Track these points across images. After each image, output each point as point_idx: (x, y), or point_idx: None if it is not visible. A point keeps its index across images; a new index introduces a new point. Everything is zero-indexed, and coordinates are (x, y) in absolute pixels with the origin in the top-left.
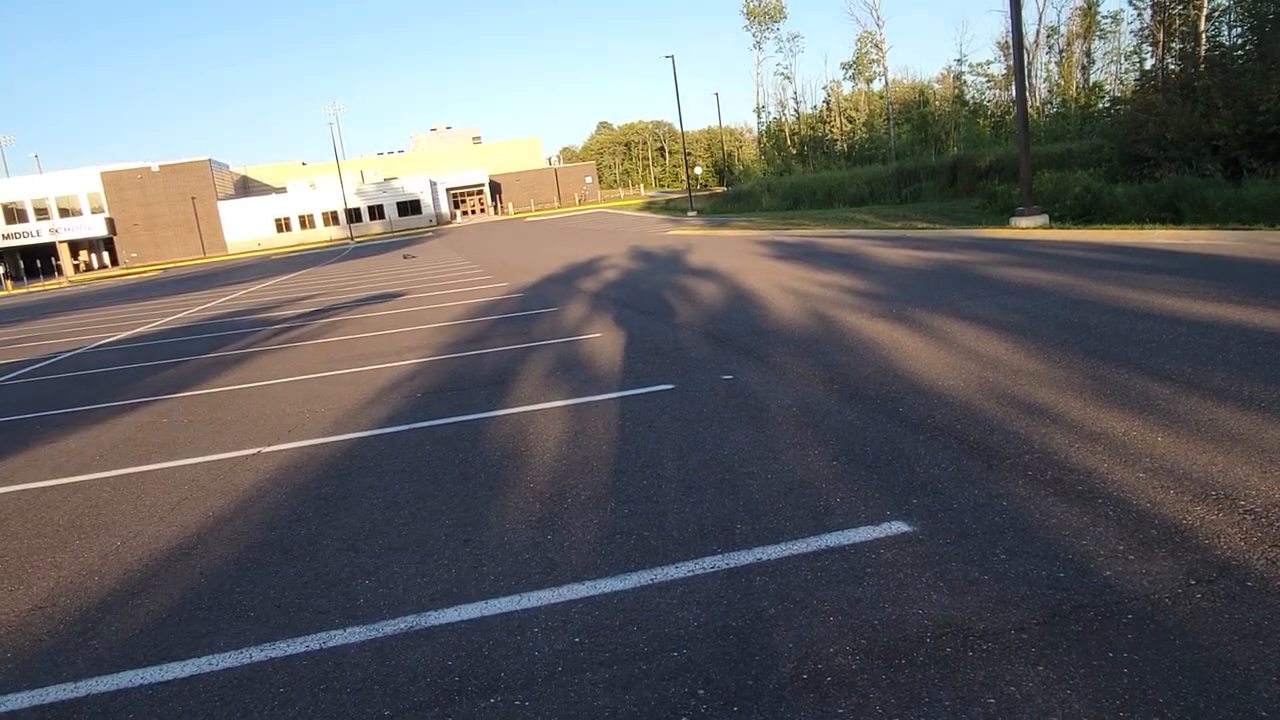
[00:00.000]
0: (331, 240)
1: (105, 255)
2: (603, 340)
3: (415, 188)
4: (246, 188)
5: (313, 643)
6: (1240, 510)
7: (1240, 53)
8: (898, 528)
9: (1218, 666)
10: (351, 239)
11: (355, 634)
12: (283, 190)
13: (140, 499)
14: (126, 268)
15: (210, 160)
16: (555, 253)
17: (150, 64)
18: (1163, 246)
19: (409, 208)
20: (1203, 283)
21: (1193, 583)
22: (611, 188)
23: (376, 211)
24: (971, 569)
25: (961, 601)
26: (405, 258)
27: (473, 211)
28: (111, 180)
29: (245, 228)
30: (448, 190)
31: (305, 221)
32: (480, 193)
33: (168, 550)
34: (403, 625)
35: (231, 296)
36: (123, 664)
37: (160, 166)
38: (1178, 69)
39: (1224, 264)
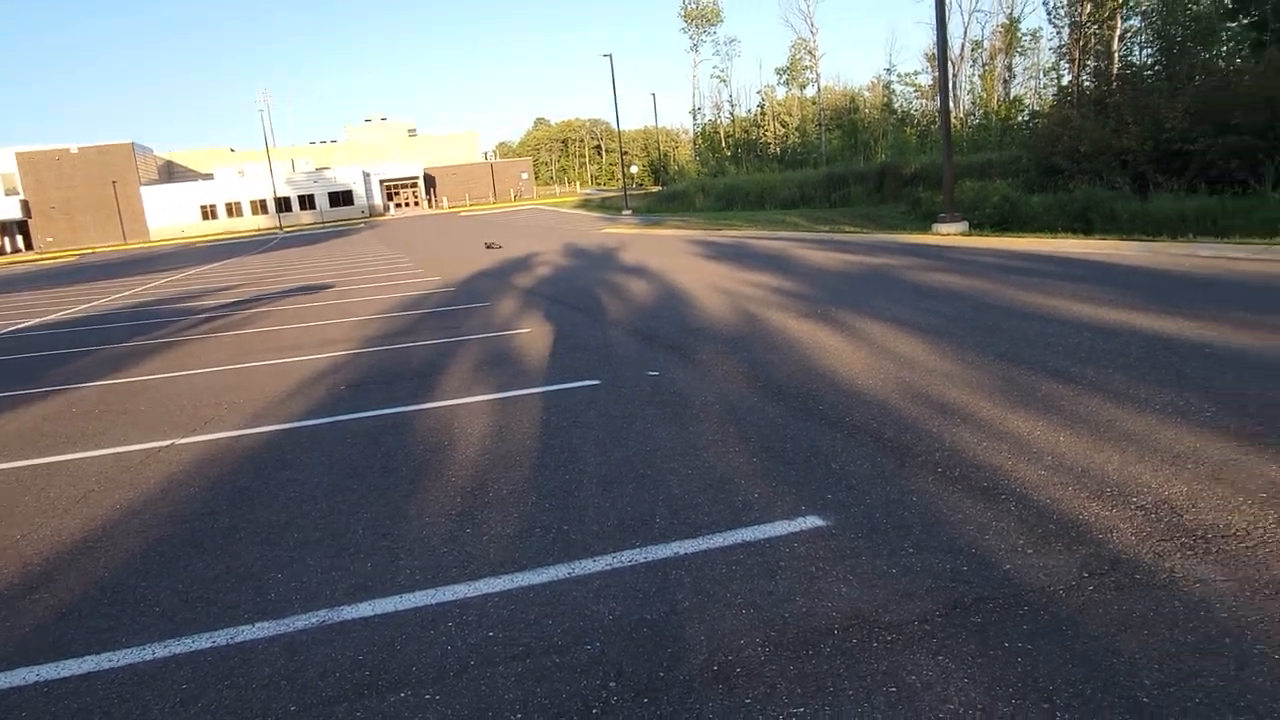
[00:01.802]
0: (260, 229)
1: (19, 239)
2: (532, 336)
3: (348, 178)
4: (171, 173)
5: (220, 638)
6: (1132, 506)
7: (1149, 72)
8: (812, 522)
9: (1105, 655)
10: (281, 229)
11: (264, 629)
12: (209, 177)
13: (44, 491)
14: (42, 252)
15: (133, 144)
16: (489, 248)
17: (71, 42)
18: (1073, 255)
19: (341, 199)
20: (1108, 290)
21: (1085, 575)
22: (547, 184)
23: (307, 201)
24: (880, 563)
25: (869, 594)
26: (489, 247)
27: (406, 204)
28: (27, 161)
29: (169, 214)
30: (381, 182)
31: (233, 209)
32: (414, 186)
33: (70, 544)
34: (314, 620)
35: (152, 284)
36: (16, 661)
37: (80, 149)
38: (1092, 86)
39: (1128, 273)
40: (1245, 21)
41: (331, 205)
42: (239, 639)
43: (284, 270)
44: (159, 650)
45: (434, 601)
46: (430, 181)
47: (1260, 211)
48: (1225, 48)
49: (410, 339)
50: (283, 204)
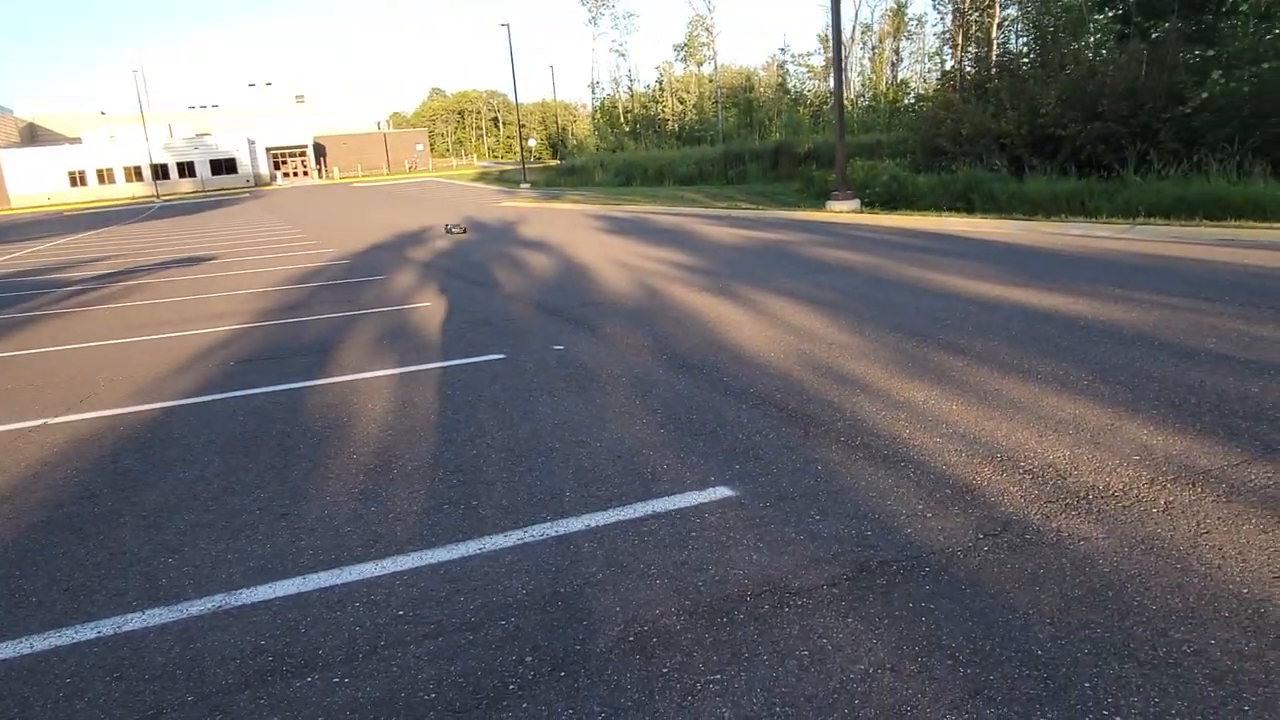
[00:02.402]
0: (135, 198)
1: None
2: (432, 309)
3: (231, 145)
4: (34, 136)
5: (105, 628)
6: (1020, 470)
7: (1025, 60)
8: (721, 492)
9: (1001, 611)
10: (158, 197)
11: (156, 616)
12: (78, 141)
13: None
14: None
15: None
16: (384, 220)
17: None
18: (958, 233)
19: (223, 166)
20: (990, 266)
21: (981, 536)
22: (444, 156)
23: (186, 169)
24: (789, 530)
25: (779, 561)
26: (449, 231)
27: (295, 174)
28: None
29: (33, 181)
30: (268, 150)
31: (104, 176)
32: (303, 155)
33: None
34: (210, 605)
35: (16, 254)
36: None
37: None
38: (973, 71)
39: (1008, 250)
40: (1111, 15)
41: (214, 173)
42: (127, 628)
43: (164, 240)
44: (38, 643)
45: (339, 582)
46: (320, 151)
47: (1122, 194)
48: (1093, 39)
49: (304, 313)
50: (160, 171)
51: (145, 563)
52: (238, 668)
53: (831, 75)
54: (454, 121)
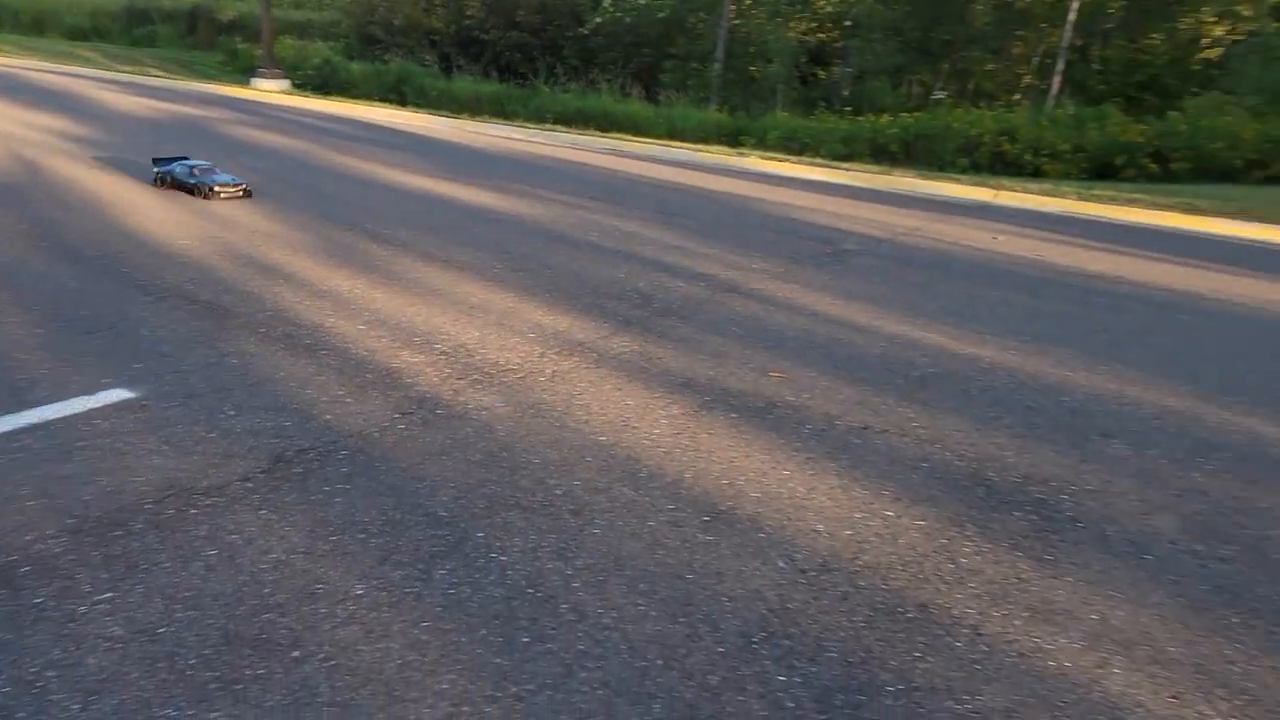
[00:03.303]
0: None
1: None
2: None
3: None
4: None
5: None
6: (436, 352)
7: None
8: (118, 395)
9: (411, 483)
10: None
11: None
12: None
13: None
14: None
15: None
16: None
17: None
18: (389, 124)
19: None
20: (419, 159)
21: (397, 416)
22: None
23: None
24: (198, 429)
25: (187, 463)
26: (198, 186)
27: None
28: None
29: None
30: None
31: None
32: None
33: None
34: None
35: None
36: None
37: None
38: None
39: (436, 144)
40: None
41: None
42: None
43: None
44: None
45: None
46: None
47: (535, 101)
48: None
49: None
50: None
51: None
52: None
53: None
54: None
